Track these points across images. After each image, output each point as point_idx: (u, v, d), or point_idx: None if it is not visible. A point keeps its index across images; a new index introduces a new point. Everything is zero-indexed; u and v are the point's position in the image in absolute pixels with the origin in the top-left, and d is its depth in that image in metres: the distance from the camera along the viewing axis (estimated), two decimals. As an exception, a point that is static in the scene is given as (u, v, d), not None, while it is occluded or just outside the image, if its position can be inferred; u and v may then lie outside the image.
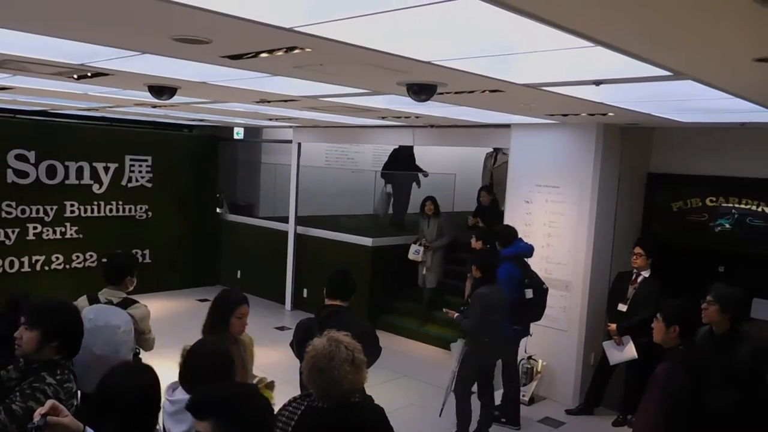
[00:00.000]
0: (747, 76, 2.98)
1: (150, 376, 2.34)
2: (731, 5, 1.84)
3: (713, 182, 6.42)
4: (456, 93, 4.15)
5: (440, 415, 5.67)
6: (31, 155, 8.83)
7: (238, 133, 11.34)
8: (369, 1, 2.13)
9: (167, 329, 5.47)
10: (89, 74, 4.24)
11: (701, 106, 4.31)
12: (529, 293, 5.67)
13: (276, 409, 2.49)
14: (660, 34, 2.32)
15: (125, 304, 4.06)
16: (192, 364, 2.77)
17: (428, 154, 10.28)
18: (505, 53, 2.98)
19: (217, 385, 2.30)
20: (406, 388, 6.76)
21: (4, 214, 8.67)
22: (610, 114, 5.07)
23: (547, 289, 5.85)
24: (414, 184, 10.12)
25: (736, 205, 6.40)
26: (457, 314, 5.45)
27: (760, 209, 6.25)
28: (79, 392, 2.88)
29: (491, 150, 9.21)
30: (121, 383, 2.19)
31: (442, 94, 4.10)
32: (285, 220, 10.02)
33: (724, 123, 5.41)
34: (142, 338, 4.12)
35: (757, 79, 3.05)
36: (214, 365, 2.69)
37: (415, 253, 8.43)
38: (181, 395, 2.69)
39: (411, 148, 9.81)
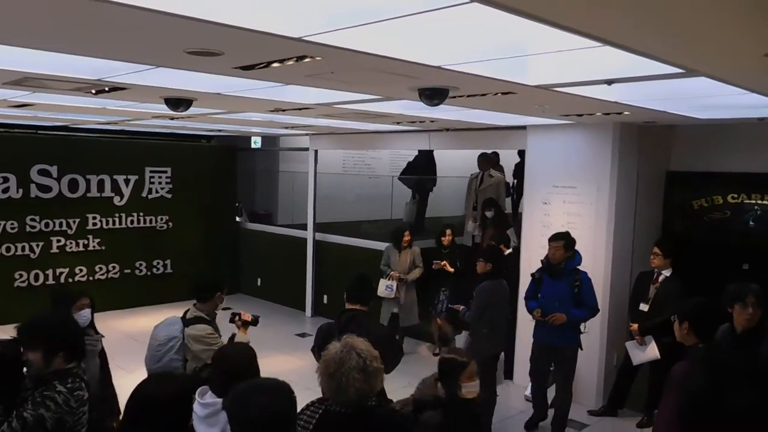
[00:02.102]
0: (759, 71, 2.95)
1: (181, 384, 2.37)
2: (739, 1, 1.83)
3: (735, 179, 6.33)
4: (468, 96, 4.16)
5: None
6: (54, 170, 8.99)
7: (256, 142, 11.43)
8: (375, 8, 2.15)
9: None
10: (107, 89, 4.32)
11: (717, 103, 4.26)
12: None
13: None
14: (669, 31, 2.31)
15: (190, 322, 4.10)
16: (218, 368, 2.82)
17: (447, 157, 10.28)
18: (515, 55, 2.99)
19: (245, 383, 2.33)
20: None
21: (28, 228, 8.85)
22: (626, 113, 5.04)
23: None
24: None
25: (759, 202, 6.31)
26: (462, 307, 5.59)
27: (783, 205, 6.17)
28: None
29: (477, 171, 8.85)
30: (153, 391, 2.22)
31: (454, 97, 4.10)
32: (304, 227, 10.07)
33: (742, 119, 5.35)
34: (201, 354, 4.08)
35: (770, 74, 3.02)
36: (238, 367, 2.74)
37: (387, 289, 7.50)
38: (211, 399, 2.73)
39: (431, 152, 9.83)
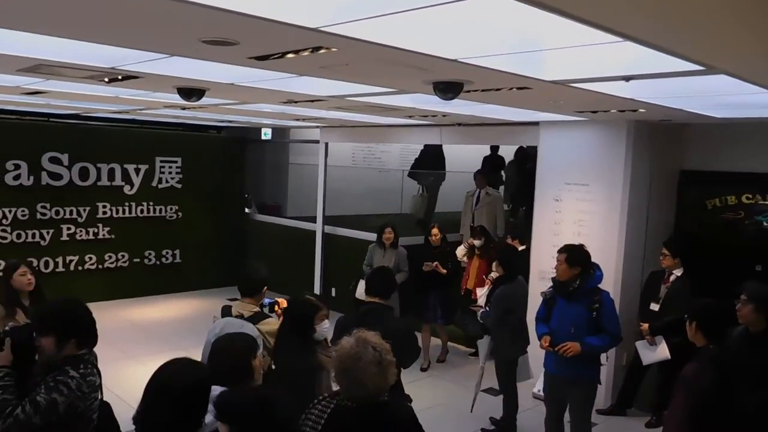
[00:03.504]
0: (783, 69, 2.91)
1: (203, 372, 2.37)
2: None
3: (750, 179, 6.26)
4: (483, 91, 4.12)
5: (471, 411, 5.66)
6: (65, 158, 9.02)
7: (266, 134, 11.42)
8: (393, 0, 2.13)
9: (199, 329, 5.53)
10: (120, 77, 4.31)
11: (735, 101, 4.21)
12: None
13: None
14: (691, 27, 2.27)
15: (256, 319, 3.96)
16: (212, 359, 2.82)
17: (456, 152, 10.23)
18: (532, 50, 2.95)
19: (240, 391, 2.32)
20: (433, 387, 6.73)
21: (39, 216, 8.89)
22: (641, 110, 4.99)
23: None
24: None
25: (774, 202, 6.24)
26: (482, 310, 5.54)
27: (799, 206, 6.10)
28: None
29: (473, 189, 8.52)
30: (174, 376, 2.21)
31: (468, 92, 4.06)
32: (312, 219, 10.06)
33: (759, 118, 5.28)
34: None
35: (793, 73, 2.97)
36: (231, 357, 2.74)
37: None
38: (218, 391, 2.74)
39: (440, 146, 9.79)
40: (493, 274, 7.10)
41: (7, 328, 2.95)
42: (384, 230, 7.30)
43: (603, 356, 4.72)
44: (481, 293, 7.01)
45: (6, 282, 4.37)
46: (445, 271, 7.14)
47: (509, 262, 5.57)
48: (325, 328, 3.74)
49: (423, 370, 7.07)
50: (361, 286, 6.88)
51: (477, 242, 7.33)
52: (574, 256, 4.51)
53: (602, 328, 4.49)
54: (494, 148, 10.16)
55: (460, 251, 7.54)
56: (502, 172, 10.38)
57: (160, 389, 2.17)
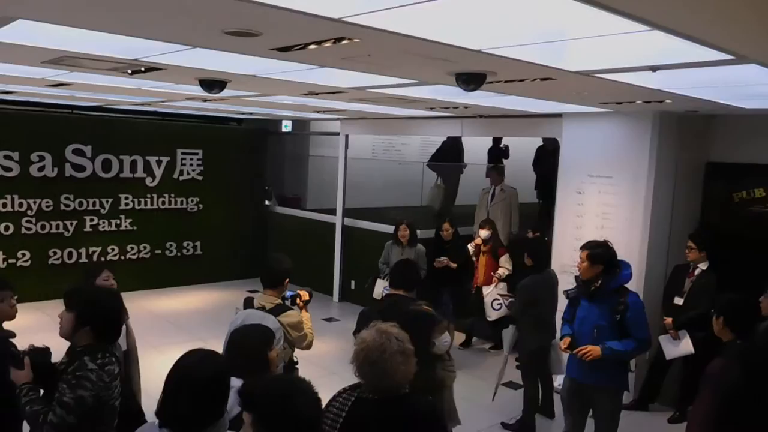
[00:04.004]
0: (817, 58, 2.83)
1: (222, 362, 2.38)
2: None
3: (779, 171, 6.14)
4: (506, 82, 4.08)
5: (493, 399, 5.64)
6: (88, 150, 9.11)
7: (286, 126, 11.44)
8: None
9: (219, 320, 5.58)
10: (142, 69, 4.33)
11: (765, 92, 4.11)
12: None
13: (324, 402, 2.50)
14: (720, 15, 2.21)
15: (277, 311, 3.95)
16: (229, 350, 2.84)
17: (476, 143, 10.15)
18: (556, 39, 2.91)
19: (266, 379, 2.32)
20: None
21: (62, 207, 9.00)
22: (667, 101, 4.90)
23: None
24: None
25: (803, 195, 6.12)
26: (510, 300, 5.53)
27: (827, 199, 5.97)
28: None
29: (489, 186, 8.37)
30: (193, 368, 2.22)
31: (491, 83, 4.02)
32: (332, 212, 10.08)
33: (789, 109, 5.18)
34: (298, 342, 4.04)
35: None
36: (247, 348, 2.75)
37: (385, 291, 6.50)
38: (236, 382, 2.75)
39: (459, 139, 9.72)
40: (501, 271, 7.08)
41: (27, 348, 2.97)
42: (399, 227, 7.07)
43: (632, 362, 4.45)
44: (488, 291, 7.06)
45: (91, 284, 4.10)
46: (455, 265, 6.99)
47: (536, 253, 5.56)
48: (446, 342, 3.37)
49: None
50: (379, 285, 7.01)
51: (484, 233, 7.17)
52: (597, 253, 4.22)
53: (628, 332, 4.16)
54: (497, 140, 10.09)
55: (471, 247, 7.40)
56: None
57: (180, 381, 2.18)
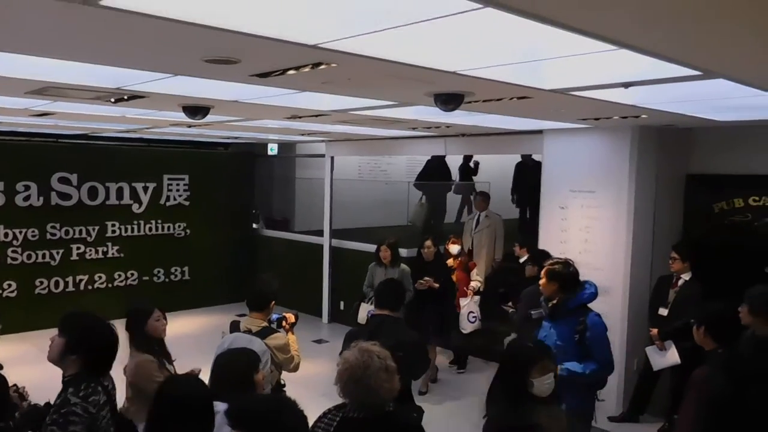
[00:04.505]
0: (780, 71, 2.92)
1: (204, 387, 2.39)
2: (757, 1, 1.81)
3: (756, 181, 6.24)
4: (484, 101, 4.15)
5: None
6: (74, 178, 9.11)
7: (272, 149, 11.49)
8: (389, 15, 2.16)
9: (209, 345, 5.55)
10: (125, 97, 4.37)
11: (737, 104, 4.21)
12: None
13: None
14: (685, 33, 2.29)
15: (264, 333, 3.96)
16: (215, 374, 2.85)
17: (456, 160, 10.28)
18: (530, 60, 2.98)
19: (253, 397, 2.35)
20: (443, 399, 6.72)
21: (48, 236, 8.97)
22: (644, 116, 5.00)
23: None
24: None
25: (781, 204, 6.22)
26: (512, 310, 5.55)
27: (806, 207, 6.07)
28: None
29: (474, 212, 8.44)
30: (176, 395, 2.22)
31: (470, 102, 4.10)
32: (320, 233, 10.10)
33: (762, 120, 5.28)
34: (285, 364, 4.05)
35: (791, 75, 2.98)
36: (232, 372, 2.76)
37: (369, 315, 5.75)
38: (220, 406, 2.76)
39: (443, 157, 9.82)
40: (474, 284, 7.11)
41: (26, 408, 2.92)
42: (380, 248, 6.87)
43: (602, 391, 4.27)
44: (464, 303, 7.04)
45: (140, 329, 3.84)
46: (437, 285, 6.77)
47: (540, 263, 5.58)
48: (548, 383, 2.99)
49: (422, 393, 6.66)
50: (363, 309, 6.76)
51: (454, 248, 7.14)
52: (552, 269, 4.17)
53: (589, 353, 4.01)
54: (467, 157, 10.21)
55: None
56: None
57: (165, 409, 2.19)
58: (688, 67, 2.87)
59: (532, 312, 4.54)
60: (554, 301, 4.14)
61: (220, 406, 2.77)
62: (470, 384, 7.10)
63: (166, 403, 2.19)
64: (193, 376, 2.35)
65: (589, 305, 4.19)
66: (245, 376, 2.80)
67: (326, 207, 9.93)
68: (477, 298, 7.15)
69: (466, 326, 7.08)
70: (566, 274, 4.13)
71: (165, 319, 3.97)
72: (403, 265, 6.82)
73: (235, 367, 2.85)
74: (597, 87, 3.60)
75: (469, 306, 7.09)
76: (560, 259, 4.34)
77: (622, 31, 2.27)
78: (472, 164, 10.30)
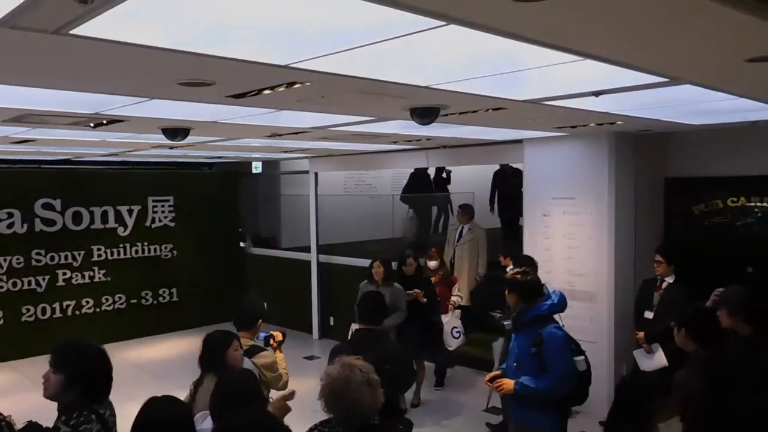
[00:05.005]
0: (743, 76, 2.99)
1: (186, 408, 2.39)
2: (717, 10, 1.86)
3: (732, 183, 6.34)
4: (460, 113, 4.21)
5: (487, 405, 5.61)
6: (57, 203, 9.08)
7: (257, 167, 11.52)
8: (357, 34, 2.20)
9: (197, 366, 5.55)
10: (104, 122, 4.39)
11: (707, 108, 4.30)
12: (581, 363, 3.97)
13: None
14: (647, 41, 2.35)
15: (251, 352, 3.95)
16: (220, 392, 2.85)
17: (457, 173, 10.34)
18: (501, 72, 3.03)
19: (241, 414, 2.36)
20: (435, 411, 6.72)
21: (34, 262, 8.92)
22: (619, 122, 5.08)
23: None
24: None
25: (759, 204, 6.31)
26: (500, 314, 5.56)
27: (783, 206, 6.17)
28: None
29: (456, 223, 8.38)
30: (161, 414, 2.23)
31: (446, 115, 4.15)
32: (307, 249, 10.11)
33: (735, 123, 5.38)
34: (273, 382, 4.02)
35: (753, 79, 3.05)
36: (241, 391, 2.77)
37: (353, 330, 5.65)
38: (210, 425, 2.76)
39: (425, 170, 9.89)
40: (454, 299, 7.08)
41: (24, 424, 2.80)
42: (372, 265, 6.58)
43: (578, 408, 4.16)
44: (446, 320, 6.88)
45: (221, 359, 3.65)
46: (425, 300, 6.58)
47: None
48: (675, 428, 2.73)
49: (414, 406, 6.62)
50: (353, 329, 6.71)
51: (432, 263, 7.09)
52: (510, 280, 4.06)
53: (547, 367, 3.83)
54: (439, 169, 10.27)
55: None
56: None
57: (147, 430, 2.20)
58: (654, 74, 2.93)
59: (505, 322, 4.50)
60: (514, 313, 4.10)
61: (207, 424, 2.79)
62: (460, 396, 7.12)
63: (146, 425, 2.20)
64: (172, 398, 2.36)
65: (562, 315, 4.12)
66: (254, 392, 2.81)
67: (312, 223, 9.95)
68: (458, 312, 7.05)
69: (452, 342, 6.89)
70: (523, 284, 3.99)
71: (241, 347, 3.79)
72: (396, 284, 6.50)
73: (242, 384, 2.86)
74: (569, 96, 3.66)
75: (451, 321, 6.92)
76: (519, 270, 4.17)
77: (583, 42, 2.33)
78: (444, 174, 10.35)
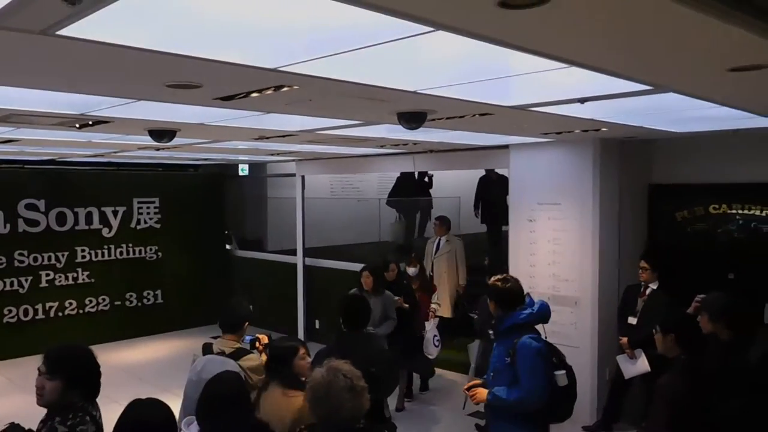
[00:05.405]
0: (725, 85, 3.03)
1: (169, 411, 2.39)
2: (699, 20, 1.89)
3: (714, 190, 6.42)
4: (447, 118, 4.23)
5: (464, 408, 5.61)
6: (41, 204, 9.01)
7: (243, 170, 11.49)
8: (345, 39, 2.21)
9: (183, 369, 5.51)
10: (90, 123, 4.36)
11: (690, 116, 4.35)
12: (561, 377, 3.76)
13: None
14: (630, 49, 2.38)
15: (237, 355, 3.92)
16: (206, 394, 2.84)
17: (444, 177, 10.37)
18: (487, 78, 3.05)
19: (227, 420, 2.36)
20: (419, 415, 6.73)
21: (17, 263, 8.85)
22: (604, 129, 5.13)
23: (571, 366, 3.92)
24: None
25: (740, 211, 6.39)
26: (477, 316, 5.59)
27: (764, 213, 6.24)
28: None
29: (434, 237, 8.40)
30: (145, 415, 2.22)
31: (433, 120, 4.17)
32: (294, 252, 10.09)
33: (717, 131, 5.45)
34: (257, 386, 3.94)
35: (735, 88, 3.10)
36: (227, 393, 2.76)
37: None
38: (196, 429, 2.75)
39: (412, 174, 9.92)
40: (434, 306, 7.07)
41: (5, 426, 2.80)
42: (362, 274, 6.36)
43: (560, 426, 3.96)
44: (428, 328, 6.83)
45: (288, 368, 3.56)
46: (407, 305, 6.55)
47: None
48: None
49: (399, 410, 6.70)
50: None
51: (411, 270, 7.04)
52: (490, 287, 3.95)
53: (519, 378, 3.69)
54: (421, 173, 10.28)
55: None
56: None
57: (135, 429, 2.20)
58: (638, 81, 2.97)
59: (490, 331, 4.44)
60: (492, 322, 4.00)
61: (193, 429, 2.78)
62: (444, 401, 7.14)
63: (129, 427, 2.20)
64: (156, 400, 2.35)
65: (545, 326, 3.90)
66: (241, 395, 2.81)
67: (298, 226, 9.93)
68: (437, 320, 7.01)
69: (432, 351, 6.83)
70: (501, 291, 3.86)
71: (309, 356, 3.67)
72: (387, 292, 6.35)
73: (228, 387, 2.85)
74: (554, 103, 3.70)
75: (432, 330, 6.84)
76: (500, 276, 4.02)
77: (567, 49, 2.35)
78: (426, 179, 10.39)
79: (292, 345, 3.62)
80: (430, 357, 6.85)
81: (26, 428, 2.77)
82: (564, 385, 3.72)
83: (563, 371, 3.74)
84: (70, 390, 2.70)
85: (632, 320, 5.96)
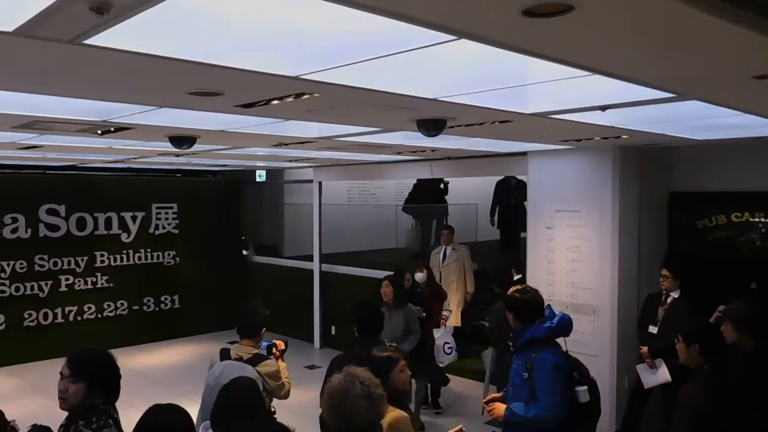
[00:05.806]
0: (749, 92, 3.00)
1: (187, 416, 2.40)
2: (724, 28, 1.88)
3: (737, 198, 6.34)
4: (467, 126, 4.22)
5: (482, 414, 5.58)
6: (62, 209, 9.12)
7: (261, 176, 11.54)
8: (367, 47, 2.22)
9: (200, 374, 5.54)
10: (112, 129, 4.41)
11: (713, 124, 4.31)
12: (583, 394, 3.57)
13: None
14: (655, 58, 2.37)
15: (255, 361, 3.94)
16: (221, 401, 2.85)
17: (461, 183, 10.35)
18: (508, 86, 3.05)
19: (241, 427, 2.37)
20: (440, 424, 6.70)
21: (37, 267, 8.94)
22: (624, 136, 5.09)
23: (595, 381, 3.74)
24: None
25: (763, 220, 6.30)
26: (487, 324, 5.58)
27: (787, 222, 6.17)
28: None
29: (438, 247, 8.37)
30: (164, 420, 2.23)
31: (452, 127, 4.16)
32: (310, 258, 10.11)
33: (740, 138, 5.39)
34: (276, 391, 4.02)
35: (759, 95, 3.07)
36: (243, 400, 2.77)
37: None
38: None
39: (430, 181, 9.90)
40: (445, 313, 7.04)
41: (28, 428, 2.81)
42: (381, 284, 6.01)
43: None
44: (437, 335, 6.70)
45: (385, 378, 3.11)
46: (424, 314, 6.33)
47: (506, 284, 5.58)
48: None
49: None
50: None
51: (419, 275, 6.85)
52: (508, 298, 3.81)
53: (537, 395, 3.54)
54: (437, 180, 10.24)
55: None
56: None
57: None
58: (661, 89, 2.95)
59: (510, 342, 4.26)
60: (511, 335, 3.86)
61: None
62: (461, 408, 7.09)
63: (147, 431, 2.21)
64: (175, 405, 2.36)
65: (565, 339, 3.72)
66: (256, 402, 2.81)
67: (315, 232, 9.95)
68: (451, 328, 6.94)
69: (443, 359, 6.63)
70: (520, 303, 3.71)
71: (407, 368, 3.43)
72: (410, 305, 6.02)
73: (244, 394, 2.86)
74: (575, 110, 3.68)
75: (443, 337, 6.68)
76: (518, 287, 3.88)
77: (592, 58, 2.34)
78: (441, 185, 10.38)
79: (390, 356, 3.33)
80: (441, 365, 6.68)
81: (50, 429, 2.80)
82: (584, 401, 3.55)
83: (585, 387, 3.56)
84: (93, 392, 2.73)
85: (653, 329, 5.88)
